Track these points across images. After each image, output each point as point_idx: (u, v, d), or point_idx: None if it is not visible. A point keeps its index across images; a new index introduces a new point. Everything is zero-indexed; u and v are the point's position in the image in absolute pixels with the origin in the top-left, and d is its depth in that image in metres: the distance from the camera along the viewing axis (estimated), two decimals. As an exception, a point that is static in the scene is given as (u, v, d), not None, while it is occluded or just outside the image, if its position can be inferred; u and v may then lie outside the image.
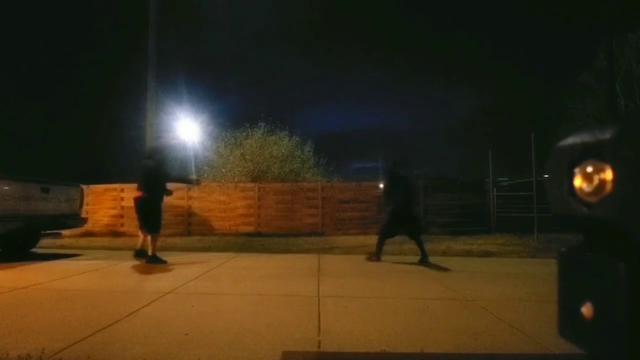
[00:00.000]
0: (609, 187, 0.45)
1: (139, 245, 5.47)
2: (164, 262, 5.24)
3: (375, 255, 5.56)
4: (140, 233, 5.48)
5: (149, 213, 5.38)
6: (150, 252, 5.30)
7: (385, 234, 5.62)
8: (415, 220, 5.60)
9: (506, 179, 11.28)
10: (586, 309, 0.46)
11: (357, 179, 12.63)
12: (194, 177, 6.07)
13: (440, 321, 2.68)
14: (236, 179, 12.05)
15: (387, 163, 6.02)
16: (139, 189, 5.42)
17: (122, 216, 10.75)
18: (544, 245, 7.19)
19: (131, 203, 10.61)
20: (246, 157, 12.83)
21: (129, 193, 10.87)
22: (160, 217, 5.54)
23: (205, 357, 1.99)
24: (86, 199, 8.51)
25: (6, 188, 5.26)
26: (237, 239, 9.10)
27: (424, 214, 10.59)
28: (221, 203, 10.88)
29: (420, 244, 5.46)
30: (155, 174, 5.46)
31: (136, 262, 5.33)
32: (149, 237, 5.35)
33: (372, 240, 5.71)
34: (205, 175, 13.52)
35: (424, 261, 5.32)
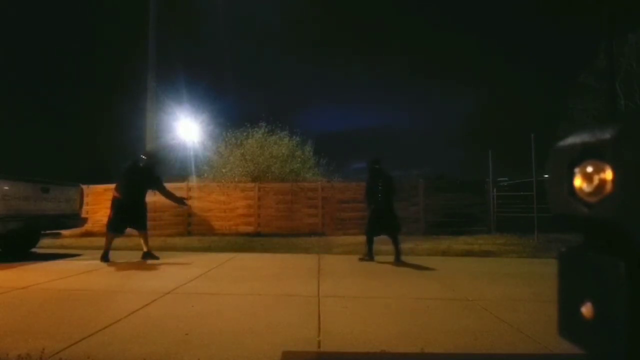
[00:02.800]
0: (609, 187, 0.45)
1: (108, 248, 5.53)
2: (157, 257, 5.55)
3: (367, 255, 5.56)
4: (110, 235, 5.58)
5: (141, 214, 5.66)
6: (146, 249, 5.58)
7: (370, 233, 5.62)
8: (393, 218, 5.60)
9: (506, 179, 11.29)
10: (586, 309, 0.46)
11: (357, 179, 12.63)
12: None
13: (441, 321, 2.68)
14: (236, 179, 12.05)
15: (367, 161, 5.96)
16: (118, 189, 5.60)
17: (122, 216, 10.74)
18: (544, 245, 7.20)
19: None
20: (247, 157, 12.83)
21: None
22: (145, 214, 5.78)
23: (205, 357, 1.99)
24: (86, 199, 8.52)
25: (6, 188, 5.26)
26: (237, 239, 9.10)
27: (424, 214, 10.61)
28: (221, 203, 10.88)
29: (395, 243, 5.49)
30: (142, 177, 5.64)
31: (136, 262, 5.35)
32: (142, 235, 5.62)
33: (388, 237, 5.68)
34: (206, 175, 13.52)
35: (397, 260, 5.38)
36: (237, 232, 10.48)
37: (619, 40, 14.43)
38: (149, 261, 5.43)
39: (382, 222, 5.55)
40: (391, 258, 5.45)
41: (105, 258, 5.34)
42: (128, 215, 5.51)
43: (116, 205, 5.55)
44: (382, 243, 5.75)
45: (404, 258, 5.49)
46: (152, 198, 10.64)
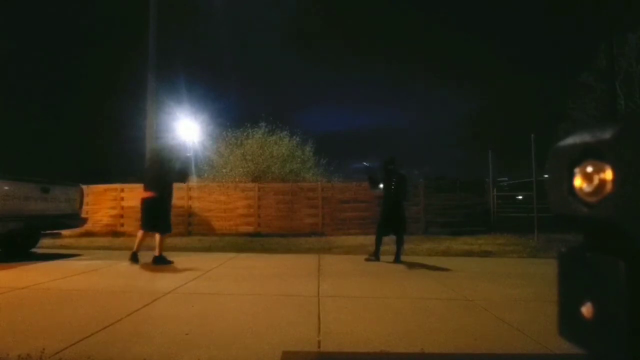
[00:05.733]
0: (609, 187, 0.45)
1: (135, 247, 5.29)
2: (170, 262, 5.19)
3: (374, 255, 5.56)
4: (139, 234, 5.35)
5: (160, 212, 5.33)
6: (157, 253, 5.21)
7: (380, 233, 5.62)
8: (401, 219, 5.60)
9: (506, 179, 11.30)
10: (586, 309, 0.46)
11: (357, 179, 12.64)
12: (191, 176, 5.73)
13: (441, 321, 2.68)
14: (237, 179, 12.06)
15: (382, 161, 5.98)
16: (147, 189, 5.32)
17: (122, 216, 10.76)
18: (544, 245, 7.20)
19: (131, 203, 10.68)
20: (247, 157, 12.84)
21: (129, 193, 10.88)
22: (170, 215, 5.53)
23: (205, 357, 1.99)
24: (86, 199, 8.51)
25: (6, 188, 5.26)
26: (237, 239, 9.10)
27: (425, 214, 10.61)
28: (221, 203, 10.88)
29: (399, 244, 5.48)
30: (164, 173, 5.42)
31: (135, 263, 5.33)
32: (156, 237, 5.26)
33: (372, 240, 5.71)
34: (206, 175, 13.53)
35: (397, 260, 5.38)
36: (238, 232, 10.48)
37: (619, 40, 14.43)
38: (133, 264, 5.17)
39: (391, 222, 5.56)
40: (391, 258, 5.45)
41: (162, 260, 5.15)
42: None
43: (164, 204, 5.35)
44: (384, 243, 5.74)
45: (404, 258, 5.49)
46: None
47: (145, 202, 5.35)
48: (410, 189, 6.08)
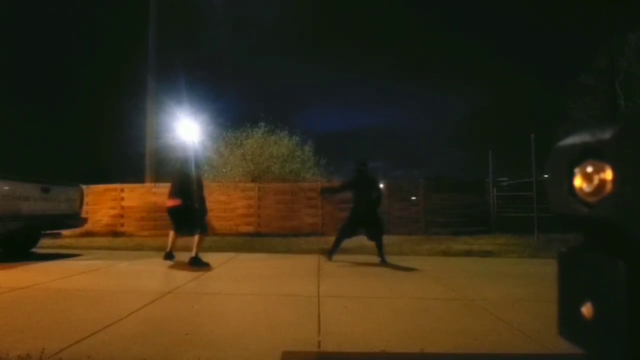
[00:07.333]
0: (609, 187, 0.45)
1: (168, 247, 5.44)
2: (206, 265, 4.99)
3: (328, 253, 5.53)
4: (171, 234, 5.46)
5: (188, 216, 5.31)
6: (194, 253, 5.08)
7: (343, 234, 5.59)
8: (377, 222, 5.56)
9: (506, 179, 11.31)
10: (586, 309, 0.46)
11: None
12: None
13: (441, 321, 2.68)
14: (237, 179, 12.07)
15: (355, 162, 5.90)
16: (173, 195, 5.28)
17: (122, 216, 10.76)
18: (544, 245, 7.20)
19: (131, 203, 10.69)
20: (247, 157, 12.85)
21: (129, 193, 10.90)
22: (198, 216, 5.51)
23: (205, 357, 1.99)
24: (86, 199, 8.51)
25: (6, 188, 5.26)
26: (238, 239, 9.10)
27: (424, 214, 10.62)
28: (221, 203, 10.88)
29: (379, 247, 5.45)
30: (191, 179, 5.42)
31: (136, 262, 5.34)
32: (195, 238, 5.18)
33: (370, 241, 5.70)
34: (206, 175, 13.53)
35: (382, 261, 5.35)
36: (238, 232, 10.48)
37: (619, 40, 14.44)
38: (167, 261, 5.26)
39: (364, 225, 5.52)
40: (392, 259, 5.45)
41: (199, 262, 5.04)
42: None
43: (191, 210, 5.35)
44: (386, 245, 5.72)
45: (404, 258, 5.49)
46: (152, 198, 10.56)
47: (170, 211, 5.39)
48: (382, 192, 6.06)
